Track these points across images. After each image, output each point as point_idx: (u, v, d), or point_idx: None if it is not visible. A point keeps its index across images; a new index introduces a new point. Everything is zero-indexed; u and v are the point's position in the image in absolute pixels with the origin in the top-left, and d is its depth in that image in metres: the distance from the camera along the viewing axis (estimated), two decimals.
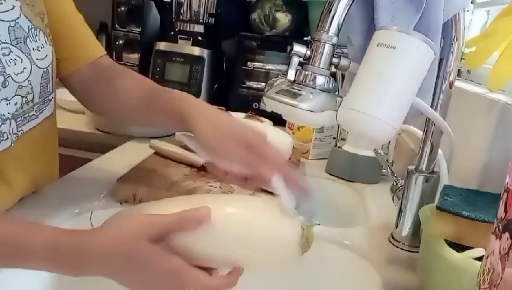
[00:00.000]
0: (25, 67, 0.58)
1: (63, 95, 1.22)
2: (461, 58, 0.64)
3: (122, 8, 1.54)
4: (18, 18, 0.58)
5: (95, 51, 0.73)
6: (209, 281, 0.46)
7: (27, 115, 0.60)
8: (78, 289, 0.56)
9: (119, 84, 0.70)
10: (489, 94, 0.71)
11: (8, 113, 0.57)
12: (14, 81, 0.57)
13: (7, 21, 0.57)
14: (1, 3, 0.56)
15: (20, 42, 0.58)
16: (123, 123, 0.81)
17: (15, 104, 0.57)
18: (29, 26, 0.60)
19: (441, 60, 0.60)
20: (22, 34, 0.58)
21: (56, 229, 0.48)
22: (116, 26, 1.56)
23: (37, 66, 0.60)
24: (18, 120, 0.59)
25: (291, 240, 0.49)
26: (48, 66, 0.63)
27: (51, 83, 0.64)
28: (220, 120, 0.58)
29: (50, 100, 0.65)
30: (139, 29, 1.55)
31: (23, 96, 0.59)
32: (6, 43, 0.56)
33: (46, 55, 0.62)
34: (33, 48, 0.60)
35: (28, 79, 0.59)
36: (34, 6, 0.62)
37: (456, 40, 0.59)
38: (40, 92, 0.62)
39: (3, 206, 0.62)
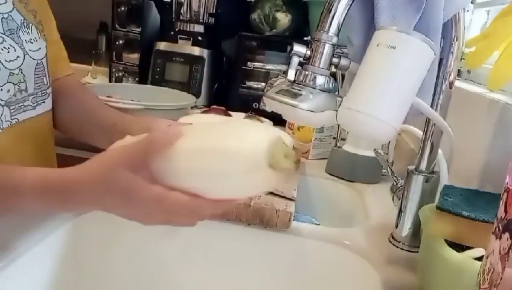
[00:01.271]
0: (18, 56, 0.60)
1: None
2: (461, 58, 0.64)
3: (122, 8, 1.54)
4: (11, 11, 0.61)
5: (63, 70, 0.76)
6: (194, 203, 0.44)
7: (21, 104, 0.62)
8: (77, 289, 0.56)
9: (74, 102, 0.74)
10: (489, 94, 0.71)
11: (2, 100, 0.59)
12: (5, 67, 0.58)
13: (1, 13, 0.59)
14: None
15: (13, 33, 0.60)
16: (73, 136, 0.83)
17: (8, 91, 0.59)
18: (21, 20, 0.62)
19: (441, 60, 0.60)
20: (14, 25, 0.61)
21: (44, 169, 0.49)
22: (116, 26, 1.56)
23: (30, 56, 0.62)
24: (12, 108, 0.60)
25: (255, 148, 0.44)
26: (42, 58, 0.64)
27: (46, 77, 0.66)
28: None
29: (48, 94, 0.67)
30: (139, 29, 1.55)
31: (15, 84, 0.60)
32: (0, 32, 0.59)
33: (40, 48, 0.64)
34: (25, 40, 0.62)
35: (20, 67, 0.60)
36: (27, 4, 0.64)
37: (456, 40, 0.59)
38: (35, 83, 0.63)
39: None
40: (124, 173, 0.44)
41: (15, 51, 0.60)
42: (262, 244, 0.70)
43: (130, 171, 0.44)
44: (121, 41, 1.56)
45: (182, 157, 0.44)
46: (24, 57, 0.61)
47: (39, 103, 0.65)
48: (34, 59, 0.62)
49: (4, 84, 0.59)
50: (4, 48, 0.59)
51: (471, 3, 0.96)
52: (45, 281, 0.60)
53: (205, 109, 1.26)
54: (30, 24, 0.63)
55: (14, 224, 0.59)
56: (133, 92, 1.13)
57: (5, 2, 0.60)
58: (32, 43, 0.62)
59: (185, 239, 0.71)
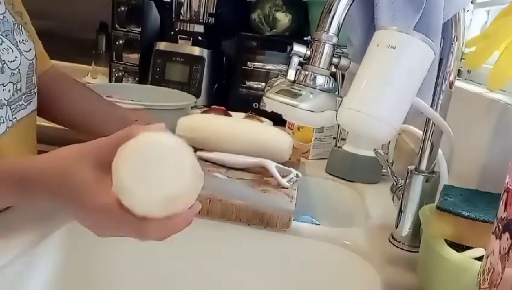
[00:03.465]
0: (16, 56, 0.61)
1: None
2: (461, 58, 0.64)
3: (122, 8, 1.54)
4: (4, 13, 0.62)
5: (46, 64, 0.78)
6: (140, 223, 0.40)
7: (17, 103, 0.63)
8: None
9: (66, 93, 0.78)
10: (489, 94, 0.71)
11: (4, 99, 0.60)
12: (9, 68, 0.60)
13: None
14: None
15: (9, 34, 0.61)
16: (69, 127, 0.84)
17: (9, 91, 0.60)
18: (13, 21, 0.63)
19: (441, 60, 0.60)
20: (9, 27, 0.62)
21: (11, 157, 0.49)
22: (116, 26, 1.56)
23: (25, 57, 0.63)
24: (12, 107, 0.61)
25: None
26: (33, 59, 0.66)
27: (35, 76, 0.67)
28: None
29: (35, 93, 0.68)
30: (139, 29, 1.55)
31: (14, 84, 0.61)
32: None
33: (30, 49, 0.65)
34: (19, 41, 0.63)
35: (18, 68, 0.62)
36: (13, 6, 0.65)
37: (456, 40, 0.59)
38: (27, 83, 0.64)
39: None
40: (85, 168, 0.41)
41: (13, 51, 0.61)
42: (262, 245, 0.70)
43: (93, 167, 0.41)
44: (121, 41, 1.56)
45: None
46: (21, 57, 0.62)
47: (29, 102, 0.66)
48: (28, 59, 0.64)
49: (7, 84, 0.60)
50: (4, 48, 0.59)
51: (471, 3, 0.96)
52: (44, 282, 0.60)
53: (205, 109, 1.26)
54: (20, 25, 0.65)
55: (13, 226, 0.59)
56: (133, 92, 1.13)
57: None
58: (24, 43, 0.64)
59: (185, 239, 0.71)
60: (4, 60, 0.59)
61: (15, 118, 0.62)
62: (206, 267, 0.71)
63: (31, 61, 0.65)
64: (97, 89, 1.10)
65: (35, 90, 0.68)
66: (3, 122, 0.60)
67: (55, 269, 0.61)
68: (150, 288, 0.72)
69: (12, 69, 0.60)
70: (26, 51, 0.64)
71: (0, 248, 0.53)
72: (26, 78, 0.64)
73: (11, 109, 0.61)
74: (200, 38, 1.49)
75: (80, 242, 0.66)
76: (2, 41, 0.60)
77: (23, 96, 0.64)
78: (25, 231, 0.58)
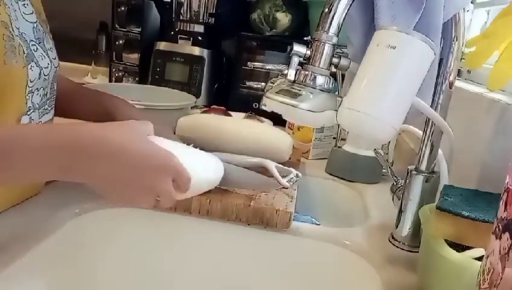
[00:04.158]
0: (48, 63, 0.63)
1: None
2: (461, 58, 0.64)
3: (122, 8, 1.54)
4: (36, 21, 0.64)
5: None
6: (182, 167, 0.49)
7: (43, 107, 0.64)
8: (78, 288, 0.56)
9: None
10: (489, 94, 0.71)
11: (37, 104, 0.61)
12: (44, 74, 0.62)
13: (31, 22, 0.62)
14: (25, 7, 0.61)
15: (41, 42, 0.63)
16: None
17: (40, 96, 0.62)
18: (42, 30, 0.65)
19: (441, 60, 0.60)
20: (40, 35, 0.64)
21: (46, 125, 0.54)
22: (116, 26, 1.56)
23: (53, 64, 0.65)
24: (40, 111, 0.63)
25: None
26: (57, 66, 0.67)
27: (56, 82, 0.68)
28: (129, 108, 0.73)
29: (55, 98, 0.69)
30: (139, 29, 1.55)
31: (44, 89, 0.63)
32: (34, 40, 0.61)
33: (56, 57, 0.67)
34: (48, 48, 0.65)
35: (49, 74, 0.64)
36: (40, 15, 0.67)
37: (456, 40, 0.59)
38: (51, 88, 0.66)
39: (9, 200, 0.63)
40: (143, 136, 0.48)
41: (44, 58, 0.62)
42: (262, 244, 0.70)
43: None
44: (121, 41, 1.56)
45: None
46: (51, 64, 0.64)
47: (52, 106, 0.68)
48: (55, 66, 0.66)
49: (40, 89, 0.61)
50: (39, 55, 0.61)
51: (471, 3, 0.96)
52: (46, 281, 0.60)
53: (205, 109, 1.26)
54: (47, 34, 0.67)
55: (14, 224, 0.59)
56: (133, 92, 1.13)
57: (32, 13, 0.63)
58: (51, 51, 0.66)
59: (185, 239, 0.71)
60: (42, 67, 0.61)
61: (40, 121, 0.64)
62: (206, 267, 0.71)
63: (56, 68, 0.67)
64: (97, 89, 1.10)
65: (55, 95, 0.69)
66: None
67: (56, 267, 0.61)
68: (150, 287, 0.72)
69: (45, 75, 0.62)
70: (54, 59, 0.66)
71: (1, 247, 0.54)
72: (51, 83, 0.66)
73: (39, 113, 0.63)
74: (200, 38, 1.50)
75: (81, 241, 0.66)
76: (37, 49, 0.61)
77: (48, 101, 0.65)
78: (26, 230, 0.58)
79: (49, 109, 0.67)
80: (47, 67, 0.63)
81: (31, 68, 0.58)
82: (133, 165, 0.46)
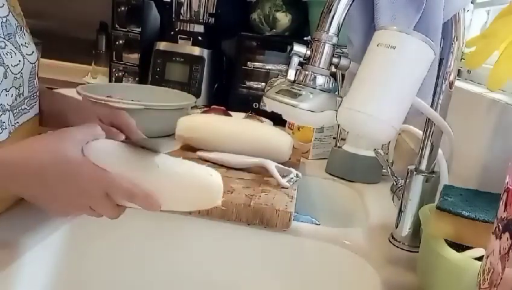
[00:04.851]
0: (19, 60, 0.61)
1: None
2: (461, 58, 0.64)
3: (122, 8, 1.54)
4: (7, 15, 0.61)
5: None
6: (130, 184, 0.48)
7: (20, 107, 0.63)
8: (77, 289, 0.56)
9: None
10: (489, 94, 0.71)
11: (7, 104, 0.59)
12: (12, 72, 0.59)
13: (0, 17, 0.59)
14: None
15: (12, 38, 0.61)
16: None
17: (11, 96, 0.60)
18: (15, 24, 0.62)
19: (441, 60, 0.60)
20: (12, 30, 0.61)
21: None
22: (116, 26, 1.56)
23: (28, 60, 0.63)
24: (14, 112, 0.61)
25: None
26: (35, 62, 0.65)
27: (36, 79, 0.67)
28: (84, 108, 0.72)
29: (37, 97, 0.68)
30: (139, 29, 1.55)
31: (17, 88, 0.61)
32: (1, 37, 0.59)
33: (33, 52, 0.65)
34: (21, 44, 0.62)
35: (21, 72, 0.61)
36: (15, 8, 0.64)
37: (456, 40, 0.59)
38: (29, 86, 0.64)
39: (3, 203, 0.63)
40: (73, 147, 0.48)
41: (15, 55, 0.60)
42: (262, 245, 0.70)
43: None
44: (121, 41, 1.56)
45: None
46: (24, 61, 0.62)
47: (32, 105, 0.66)
48: (30, 63, 0.63)
49: (10, 89, 0.59)
50: (8, 52, 0.59)
51: (471, 3, 0.96)
52: (45, 281, 0.60)
53: (205, 109, 1.26)
54: (22, 28, 0.64)
55: (14, 225, 0.59)
56: (133, 92, 1.13)
57: (2, 6, 0.60)
58: (27, 46, 0.63)
59: (185, 239, 0.71)
60: (8, 65, 0.58)
61: (17, 122, 0.62)
62: (206, 267, 0.71)
63: (33, 64, 0.64)
64: (97, 88, 1.10)
65: (37, 93, 0.68)
66: (6, 128, 0.59)
67: (55, 268, 0.61)
68: (150, 287, 0.72)
69: (15, 74, 0.60)
70: (29, 54, 0.63)
71: (1, 247, 0.53)
72: (28, 81, 0.64)
73: (13, 114, 0.61)
74: (200, 38, 1.49)
75: (80, 242, 0.66)
76: (5, 45, 0.59)
77: (26, 100, 0.64)
78: (25, 232, 0.58)
79: (28, 108, 0.64)
80: (17, 65, 0.60)
81: None
82: (54, 185, 0.48)
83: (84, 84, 1.16)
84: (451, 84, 0.61)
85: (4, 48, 0.59)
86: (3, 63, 0.58)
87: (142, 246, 0.72)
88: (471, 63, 0.66)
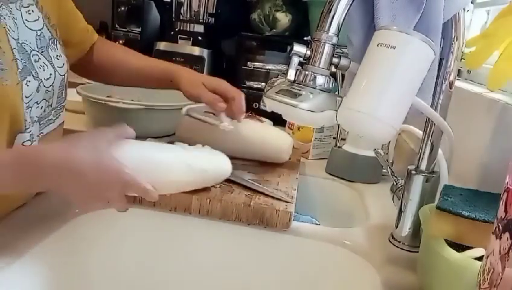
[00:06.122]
0: (50, 74, 0.62)
1: None
2: (461, 58, 0.64)
3: (122, 8, 1.54)
4: (42, 28, 0.62)
5: (92, 38, 0.83)
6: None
7: (47, 118, 0.64)
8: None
9: (116, 55, 0.86)
10: (489, 94, 0.71)
11: (36, 117, 0.60)
12: (44, 86, 0.60)
13: (35, 30, 0.61)
14: (29, 14, 0.60)
15: (44, 50, 0.61)
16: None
17: (41, 108, 0.61)
18: (49, 36, 0.63)
19: (441, 60, 0.60)
20: (45, 43, 0.62)
21: (17, 148, 0.55)
22: (116, 26, 1.56)
23: (58, 73, 0.64)
24: (41, 123, 0.62)
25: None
26: (65, 74, 0.66)
27: (65, 90, 0.67)
28: (196, 76, 0.84)
29: (63, 106, 0.69)
30: (139, 29, 1.55)
31: (47, 101, 0.62)
32: (36, 50, 0.60)
33: (63, 64, 0.66)
34: (53, 56, 0.63)
35: (52, 85, 0.62)
36: (49, 19, 0.65)
37: (456, 40, 0.59)
38: (58, 98, 0.65)
39: (14, 203, 0.64)
40: (105, 145, 0.52)
41: (48, 68, 0.61)
42: (262, 244, 0.70)
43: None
44: (121, 41, 1.56)
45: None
46: (55, 74, 0.63)
47: (58, 116, 0.67)
48: (61, 75, 0.64)
49: (41, 102, 0.60)
50: (41, 66, 0.60)
51: (471, 3, 0.96)
52: (45, 281, 0.60)
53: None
54: (55, 40, 0.65)
55: (14, 225, 0.59)
56: (133, 92, 1.13)
57: (38, 19, 0.61)
58: (58, 59, 0.64)
59: (185, 239, 0.71)
60: (41, 79, 0.59)
61: (42, 132, 0.63)
62: (206, 267, 0.71)
63: (63, 77, 0.65)
64: (97, 88, 1.10)
65: (65, 102, 0.69)
66: (34, 140, 0.60)
67: (55, 268, 0.61)
68: (150, 287, 0.72)
69: (46, 87, 0.61)
70: (60, 67, 0.64)
71: (1, 247, 0.54)
72: (58, 93, 0.64)
73: (39, 125, 0.62)
74: (200, 38, 1.49)
75: (80, 242, 0.66)
76: (39, 58, 0.60)
77: (53, 111, 0.64)
78: (25, 231, 0.58)
79: (54, 118, 0.65)
80: (49, 78, 0.61)
81: (26, 84, 0.57)
82: (87, 181, 0.51)
83: (84, 84, 1.16)
84: (451, 84, 0.61)
85: (38, 61, 0.60)
86: (38, 77, 0.59)
87: (143, 246, 0.72)
88: (471, 63, 0.66)
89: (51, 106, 0.63)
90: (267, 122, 1.15)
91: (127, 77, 0.86)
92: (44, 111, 0.62)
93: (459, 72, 0.92)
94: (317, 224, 0.81)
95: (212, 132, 0.92)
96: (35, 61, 0.59)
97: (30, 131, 0.59)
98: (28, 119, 0.58)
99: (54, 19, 0.66)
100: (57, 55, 0.64)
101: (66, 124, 0.78)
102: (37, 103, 0.59)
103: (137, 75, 0.86)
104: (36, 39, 0.60)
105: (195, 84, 0.80)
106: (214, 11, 1.54)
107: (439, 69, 0.60)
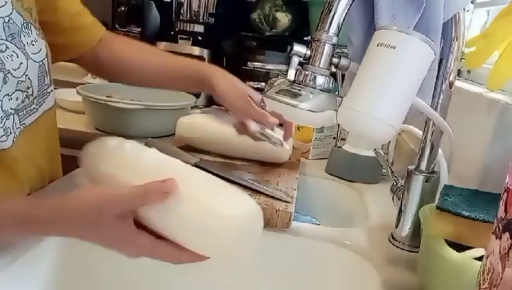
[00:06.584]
0: (21, 62, 0.58)
1: (63, 95, 1.23)
2: (461, 58, 0.64)
3: (122, 8, 1.54)
4: (11, 14, 0.58)
5: (100, 32, 0.81)
6: (180, 256, 0.46)
7: (28, 108, 0.61)
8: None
9: (130, 52, 0.83)
10: (489, 94, 0.71)
11: (11, 109, 0.58)
12: (14, 76, 0.57)
13: (1, 17, 0.57)
14: None
15: (15, 38, 0.58)
16: (143, 86, 0.95)
17: (16, 99, 0.58)
18: (21, 21, 0.60)
19: (441, 60, 0.60)
20: (15, 29, 0.58)
21: (25, 201, 0.52)
22: (116, 26, 1.56)
23: (32, 60, 0.61)
24: (20, 114, 0.60)
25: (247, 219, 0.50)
26: (43, 59, 0.63)
27: (48, 76, 0.65)
28: (238, 86, 0.80)
29: (49, 93, 0.66)
30: (139, 29, 1.55)
31: (24, 91, 0.59)
32: (2, 39, 0.56)
33: (40, 49, 0.62)
34: (27, 43, 0.60)
35: (26, 74, 0.59)
36: (23, 2, 0.62)
37: (456, 40, 0.59)
38: (39, 86, 0.63)
39: None
40: (109, 219, 0.45)
41: (18, 57, 0.58)
42: (262, 244, 0.70)
43: (114, 219, 0.45)
44: None
45: (178, 204, 0.44)
46: (27, 62, 0.59)
47: (41, 103, 0.64)
48: (36, 62, 0.61)
49: (13, 93, 0.57)
50: (8, 56, 0.56)
51: (471, 3, 0.96)
52: (45, 282, 0.60)
53: (205, 109, 1.26)
54: (29, 24, 0.61)
55: None
56: (133, 92, 1.13)
57: (5, 4, 0.58)
58: (33, 45, 0.61)
59: None
60: (8, 70, 0.56)
61: (24, 124, 0.60)
62: (206, 267, 0.71)
63: (40, 63, 0.62)
64: (97, 88, 1.10)
65: (51, 88, 0.66)
66: (11, 133, 0.58)
67: (54, 269, 0.61)
68: (150, 287, 0.72)
69: (18, 77, 0.58)
70: (34, 53, 0.61)
71: (0, 247, 0.53)
72: (38, 80, 0.62)
73: (19, 117, 0.59)
74: (200, 38, 1.50)
75: (80, 243, 0.66)
76: (7, 48, 0.57)
77: (35, 100, 0.62)
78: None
79: (37, 107, 0.63)
80: (19, 68, 0.57)
81: None
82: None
83: (84, 84, 1.16)
84: (451, 84, 0.61)
85: (5, 50, 0.56)
86: (4, 68, 0.56)
87: None
88: (471, 63, 0.66)
89: (32, 95, 0.61)
90: None
91: (146, 76, 0.83)
92: (22, 102, 0.59)
93: (459, 72, 0.92)
94: (317, 224, 0.81)
95: (211, 132, 0.92)
96: (2, 51, 0.56)
97: (3, 125, 0.56)
98: (1, 114, 0.55)
99: (28, 1, 0.63)
100: (32, 41, 0.61)
101: (65, 124, 0.78)
102: (8, 95, 0.56)
103: (160, 76, 0.82)
104: (4, 27, 0.57)
105: (243, 98, 0.77)
106: (214, 11, 1.54)
107: (439, 69, 0.60)
